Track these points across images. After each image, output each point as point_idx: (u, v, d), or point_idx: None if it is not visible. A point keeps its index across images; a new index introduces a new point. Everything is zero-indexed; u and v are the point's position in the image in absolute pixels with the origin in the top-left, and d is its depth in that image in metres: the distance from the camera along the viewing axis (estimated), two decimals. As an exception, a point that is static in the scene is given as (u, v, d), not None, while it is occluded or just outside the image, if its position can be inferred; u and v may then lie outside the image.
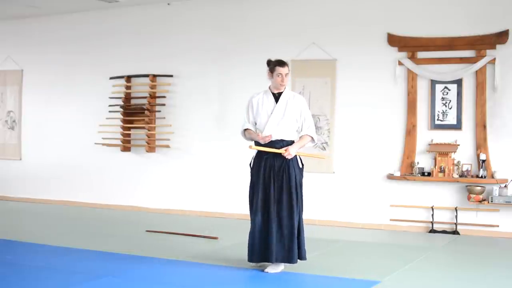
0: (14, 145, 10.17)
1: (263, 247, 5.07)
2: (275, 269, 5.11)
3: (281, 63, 5.13)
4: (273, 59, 5.22)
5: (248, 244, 5.17)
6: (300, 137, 5.21)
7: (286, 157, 5.05)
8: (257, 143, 5.17)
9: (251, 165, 5.27)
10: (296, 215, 5.06)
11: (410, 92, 7.50)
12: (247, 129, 5.28)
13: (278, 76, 5.12)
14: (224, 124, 8.48)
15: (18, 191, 10.08)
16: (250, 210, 5.25)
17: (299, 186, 5.13)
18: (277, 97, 5.20)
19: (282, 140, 5.12)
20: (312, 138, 5.23)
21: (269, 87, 5.28)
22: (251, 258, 5.16)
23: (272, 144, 5.09)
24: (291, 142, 5.14)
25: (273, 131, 5.11)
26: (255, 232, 5.12)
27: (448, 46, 7.28)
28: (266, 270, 5.11)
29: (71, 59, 9.64)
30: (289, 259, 5.05)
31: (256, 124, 5.26)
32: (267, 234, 5.04)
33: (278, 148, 5.07)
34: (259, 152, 5.17)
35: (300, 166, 5.19)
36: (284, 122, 5.14)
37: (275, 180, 5.07)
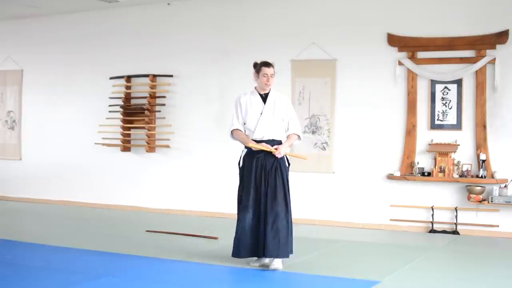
0: (14, 145, 10.17)
1: (254, 243, 5.17)
2: (279, 264, 5.18)
3: (267, 64, 5.33)
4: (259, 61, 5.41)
5: (234, 239, 5.25)
6: (288, 136, 5.39)
7: (277, 156, 5.22)
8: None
9: (240, 164, 5.40)
10: (289, 211, 5.24)
11: (410, 92, 7.50)
12: (236, 129, 5.38)
13: (264, 76, 5.30)
14: (224, 124, 8.42)
15: (18, 191, 10.08)
16: (238, 208, 5.35)
17: (288, 183, 5.32)
18: (264, 97, 5.37)
19: (273, 140, 5.30)
20: (298, 136, 5.42)
21: (255, 88, 5.43)
22: (237, 253, 5.22)
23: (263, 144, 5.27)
24: (279, 142, 5.33)
25: (264, 131, 5.29)
26: (243, 229, 5.20)
27: (448, 46, 7.28)
28: (273, 267, 5.15)
29: (71, 59, 9.64)
30: (284, 254, 5.16)
31: (245, 124, 5.38)
32: (258, 231, 5.16)
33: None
34: (249, 151, 5.30)
35: (287, 164, 5.38)
36: (273, 122, 5.32)
37: (267, 178, 5.22)
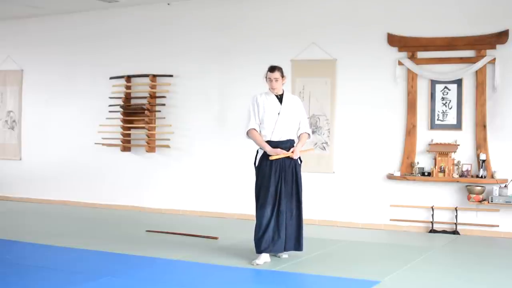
0: (14, 145, 10.17)
1: (275, 238, 5.38)
2: (286, 254, 5.64)
3: (271, 69, 5.58)
4: (275, 64, 5.65)
5: (258, 236, 5.40)
6: (299, 136, 5.64)
7: (293, 158, 5.50)
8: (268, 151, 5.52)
9: (256, 164, 5.58)
10: (302, 208, 5.56)
11: (410, 92, 7.50)
12: (253, 129, 5.56)
13: (269, 80, 5.55)
14: (224, 124, 8.48)
15: (18, 191, 10.08)
16: (257, 206, 5.51)
17: (301, 181, 5.60)
18: (279, 98, 5.59)
19: (289, 140, 5.55)
20: (308, 135, 5.68)
21: (269, 89, 5.64)
22: (263, 249, 5.38)
23: (281, 144, 5.51)
24: (293, 141, 5.59)
25: (282, 132, 5.52)
26: (265, 225, 5.38)
27: (448, 46, 7.28)
28: (283, 256, 5.60)
29: (71, 59, 9.64)
30: (297, 247, 5.55)
31: (262, 123, 5.54)
32: (278, 226, 5.40)
33: (287, 147, 5.52)
34: (266, 153, 5.50)
35: (299, 162, 5.63)
36: (291, 122, 5.57)
37: (285, 177, 5.47)
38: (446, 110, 7.36)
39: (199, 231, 6.94)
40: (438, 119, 7.40)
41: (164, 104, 8.88)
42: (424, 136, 7.45)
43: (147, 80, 8.98)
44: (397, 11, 7.56)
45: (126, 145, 9.13)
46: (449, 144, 7.26)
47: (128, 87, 9.13)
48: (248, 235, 5.91)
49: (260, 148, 5.55)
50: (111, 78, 9.23)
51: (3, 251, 5.94)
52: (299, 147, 5.56)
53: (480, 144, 7.17)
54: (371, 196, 7.66)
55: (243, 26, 8.42)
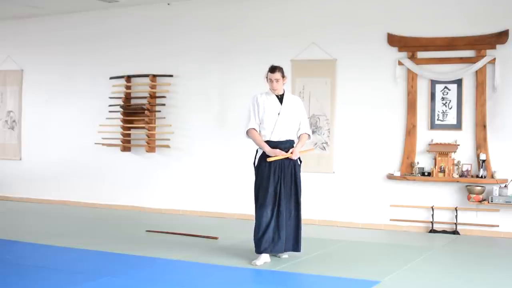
0: (14, 145, 10.17)
1: (275, 239, 5.38)
2: (286, 254, 5.64)
3: (272, 69, 5.55)
4: (275, 64, 5.64)
5: (258, 236, 5.39)
6: (299, 137, 5.62)
7: (293, 158, 5.48)
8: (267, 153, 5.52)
9: (256, 164, 5.57)
10: (300, 208, 5.52)
11: (410, 92, 7.50)
12: (252, 129, 5.54)
13: (270, 80, 5.54)
14: (224, 124, 8.48)
15: (18, 191, 10.08)
16: (256, 206, 5.50)
17: (300, 181, 5.59)
18: (280, 98, 5.58)
19: (288, 140, 5.53)
20: (308, 136, 5.67)
21: (270, 89, 5.63)
22: (263, 250, 5.38)
23: (280, 144, 5.48)
24: (293, 141, 5.57)
25: (281, 133, 5.51)
26: (265, 225, 5.38)
27: (448, 46, 7.28)
28: (283, 256, 5.61)
29: (71, 59, 9.64)
30: (295, 248, 5.56)
31: (262, 123, 5.53)
32: (278, 227, 5.39)
33: (287, 147, 5.50)
34: (265, 153, 5.49)
35: (299, 162, 5.62)
36: (290, 123, 5.55)
37: (285, 178, 5.46)
38: (446, 110, 7.36)
39: (199, 231, 6.94)
40: (438, 119, 7.40)
41: (164, 104, 8.88)
42: (424, 136, 7.45)
43: (147, 80, 8.98)
44: (397, 11, 7.56)
45: (126, 145, 9.13)
46: (449, 144, 7.26)
47: (128, 87, 9.13)
48: (248, 235, 5.90)
49: (260, 148, 5.56)
50: (111, 78, 9.24)
51: (3, 251, 5.95)
52: (299, 147, 5.54)
53: (480, 144, 7.17)
54: (371, 196, 7.66)
55: (243, 26, 8.42)
